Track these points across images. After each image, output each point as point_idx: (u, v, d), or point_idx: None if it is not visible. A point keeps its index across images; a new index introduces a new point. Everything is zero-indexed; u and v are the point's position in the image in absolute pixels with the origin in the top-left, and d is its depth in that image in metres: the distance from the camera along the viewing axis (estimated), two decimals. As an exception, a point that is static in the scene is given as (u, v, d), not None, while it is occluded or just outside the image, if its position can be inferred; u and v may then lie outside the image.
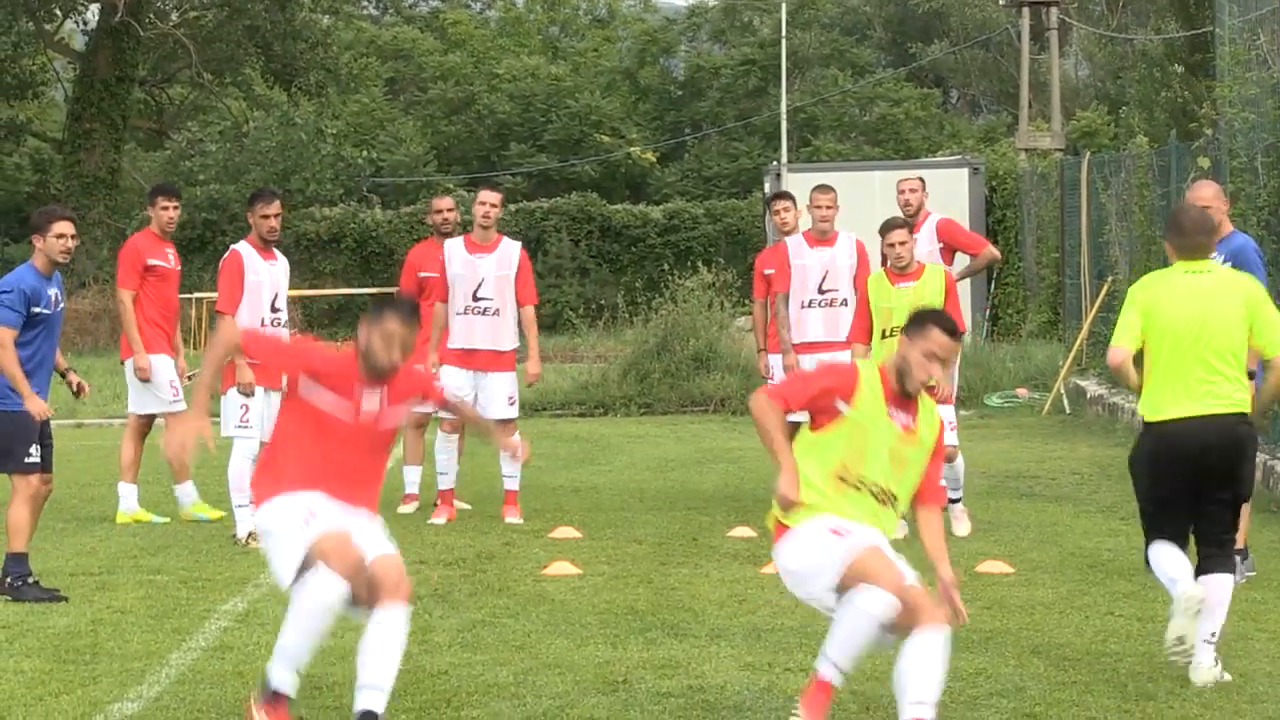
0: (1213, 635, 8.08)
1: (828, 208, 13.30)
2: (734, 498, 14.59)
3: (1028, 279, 31.69)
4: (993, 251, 13.62)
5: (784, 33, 41.42)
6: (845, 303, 13.19)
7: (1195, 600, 7.98)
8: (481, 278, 13.25)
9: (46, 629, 9.44)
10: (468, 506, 13.88)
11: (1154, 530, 8.39)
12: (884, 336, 11.97)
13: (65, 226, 10.46)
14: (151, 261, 13.47)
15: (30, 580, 10.34)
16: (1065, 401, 21.63)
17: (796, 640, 8.96)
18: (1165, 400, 8.29)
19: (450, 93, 55.58)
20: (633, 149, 52.68)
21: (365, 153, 47.51)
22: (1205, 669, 8.04)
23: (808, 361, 13.03)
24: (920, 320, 7.23)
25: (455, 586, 10.61)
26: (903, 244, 11.89)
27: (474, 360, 13.24)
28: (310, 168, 41.44)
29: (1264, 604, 9.91)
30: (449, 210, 14.31)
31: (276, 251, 12.75)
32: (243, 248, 12.68)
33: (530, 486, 15.12)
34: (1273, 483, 13.77)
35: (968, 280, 14.79)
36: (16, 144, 46.86)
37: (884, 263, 12.25)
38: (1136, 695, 7.83)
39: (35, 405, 10.28)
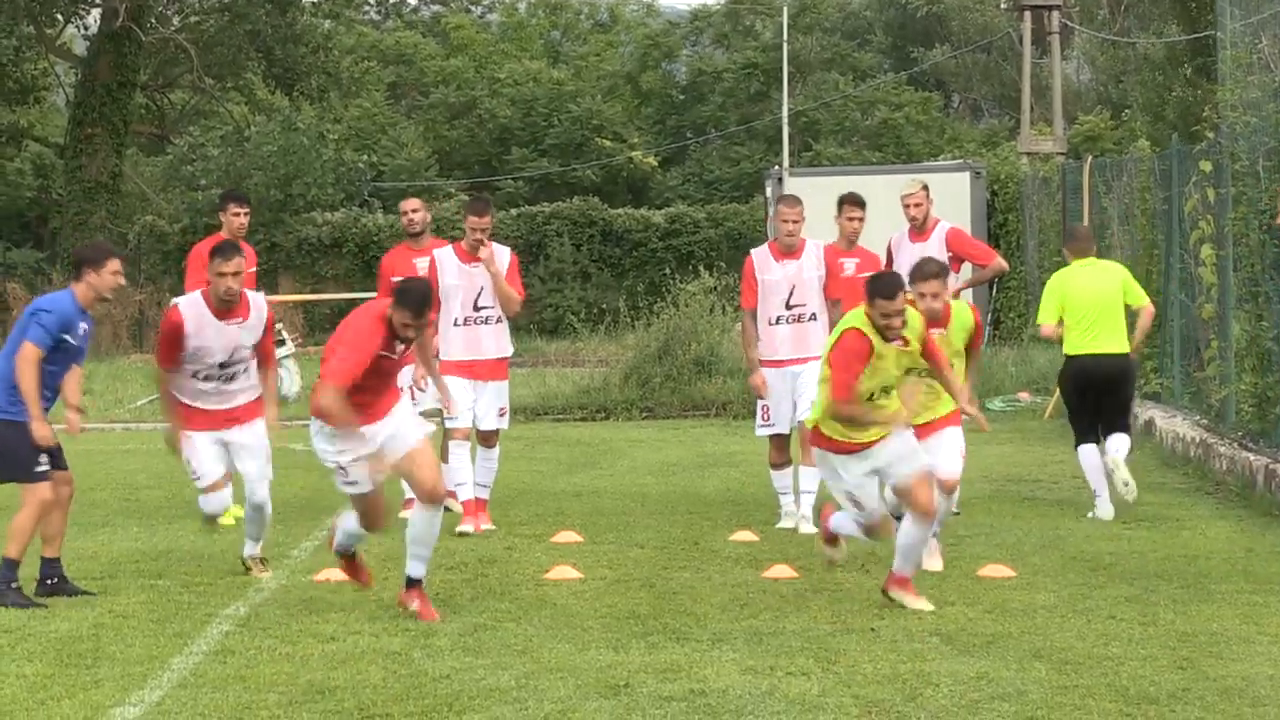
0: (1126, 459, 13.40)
1: (794, 221, 12.96)
2: (735, 502, 14.59)
3: (1030, 283, 31.67)
4: (1001, 263, 13.65)
5: (786, 37, 41.37)
6: (814, 317, 12.92)
7: (1119, 481, 13.32)
8: (480, 286, 13.09)
9: (48, 633, 9.44)
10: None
11: (1078, 430, 13.79)
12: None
13: (119, 264, 10.49)
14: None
15: (14, 585, 10.31)
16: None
17: (798, 644, 8.96)
18: (1078, 344, 13.60)
19: (452, 97, 55.54)
20: (634, 153, 52.66)
21: (367, 157, 47.49)
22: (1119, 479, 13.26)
23: (775, 377, 12.94)
24: (868, 295, 9.81)
25: (457, 590, 10.61)
26: (935, 296, 10.62)
27: (477, 370, 13.13)
28: (312, 172, 41.40)
29: (1265, 607, 9.90)
30: (414, 211, 14.08)
31: (252, 300, 11.13)
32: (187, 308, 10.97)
33: (532, 491, 15.11)
34: (1274, 486, 13.77)
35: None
36: (18, 149, 46.86)
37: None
38: (1138, 699, 7.82)
39: (41, 430, 10.24)
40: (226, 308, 10.87)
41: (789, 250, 12.99)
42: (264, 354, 11.18)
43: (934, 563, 11.10)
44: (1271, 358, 14.59)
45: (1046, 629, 9.32)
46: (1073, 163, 27.68)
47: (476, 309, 13.11)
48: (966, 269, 14.09)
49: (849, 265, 13.39)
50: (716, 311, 24.09)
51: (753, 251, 13.29)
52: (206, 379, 10.93)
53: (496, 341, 13.19)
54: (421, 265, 13.51)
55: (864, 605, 10.02)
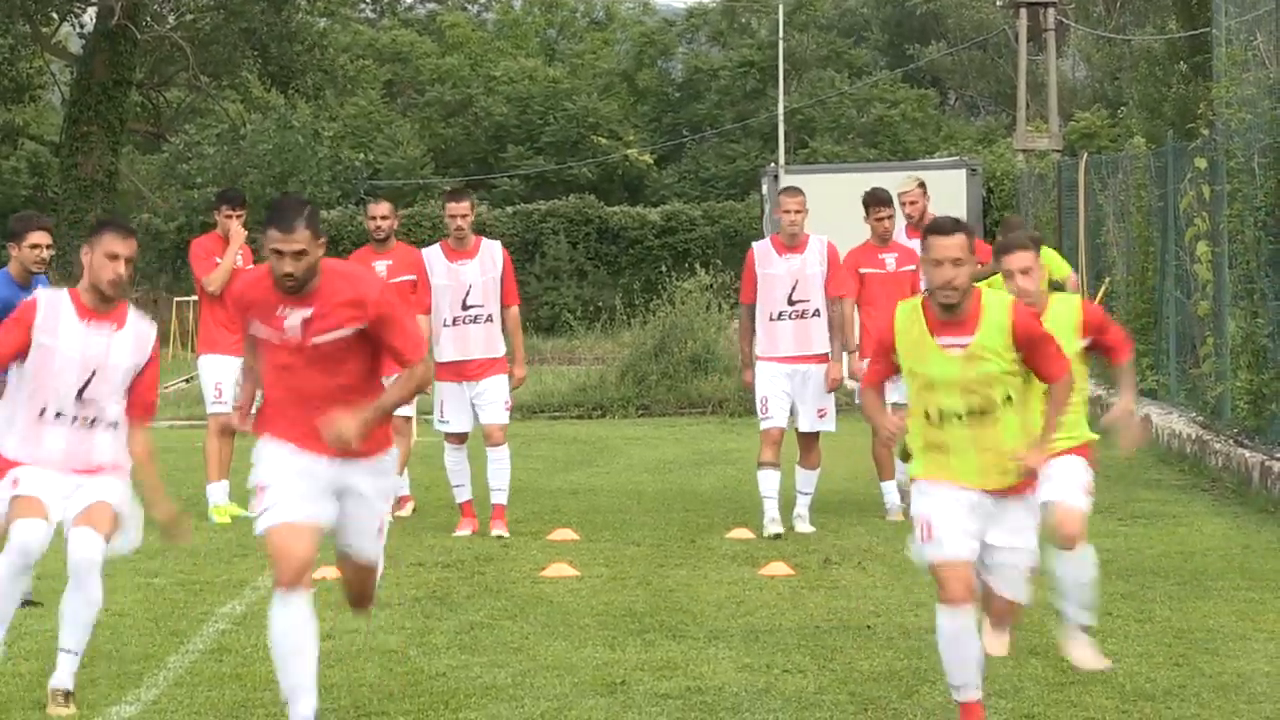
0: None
1: (796, 211, 12.60)
2: (732, 499, 14.58)
3: (1025, 280, 31.66)
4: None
5: (781, 34, 41.40)
6: (817, 313, 12.65)
7: None
8: (469, 285, 12.74)
9: (44, 631, 9.43)
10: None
11: None
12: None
13: (40, 236, 10.13)
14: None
15: None
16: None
17: (795, 641, 8.96)
18: None
19: (447, 95, 55.56)
20: (630, 151, 52.67)
21: (362, 155, 47.51)
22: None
23: (775, 372, 12.66)
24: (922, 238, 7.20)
25: (453, 588, 10.60)
26: (1025, 272, 8.29)
27: (468, 370, 12.81)
28: (307, 170, 41.43)
29: (1261, 603, 9.91)
30: (383, 218, 13.71)
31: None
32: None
33: (528, 489, 15.10)
34: (1269, 482, 13.78)
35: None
36: (13, 147, 46.87)
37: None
38: (1134, 695, 7.82)
39: None
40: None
41: (792, 244, 12.69)
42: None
43: (996, 646, 8.34)
44: (1267, 354, 14.60)
45: (1043, 626, 9.31)
46: (1068, 160, 27.70)
47: (465, 308, 12.78)
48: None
49: (889, 260, 13.32)
50: (713, 309, 24.10)
51: (755, 245, 13.01)
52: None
53: (486, 341, 12.84)
54: (381, 267, 13.41)
55: (860, 602, 10.02)
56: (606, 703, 7.74)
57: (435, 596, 10.27)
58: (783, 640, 9.00)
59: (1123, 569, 10.99)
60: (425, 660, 8.63)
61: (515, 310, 12.95)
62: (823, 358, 12.72)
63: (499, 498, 12.90)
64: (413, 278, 13.23)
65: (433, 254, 12.95)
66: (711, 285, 24.29)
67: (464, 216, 12.80)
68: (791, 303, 12.65)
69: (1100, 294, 22.09)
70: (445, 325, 12.78)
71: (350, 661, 8.63)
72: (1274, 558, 11.46)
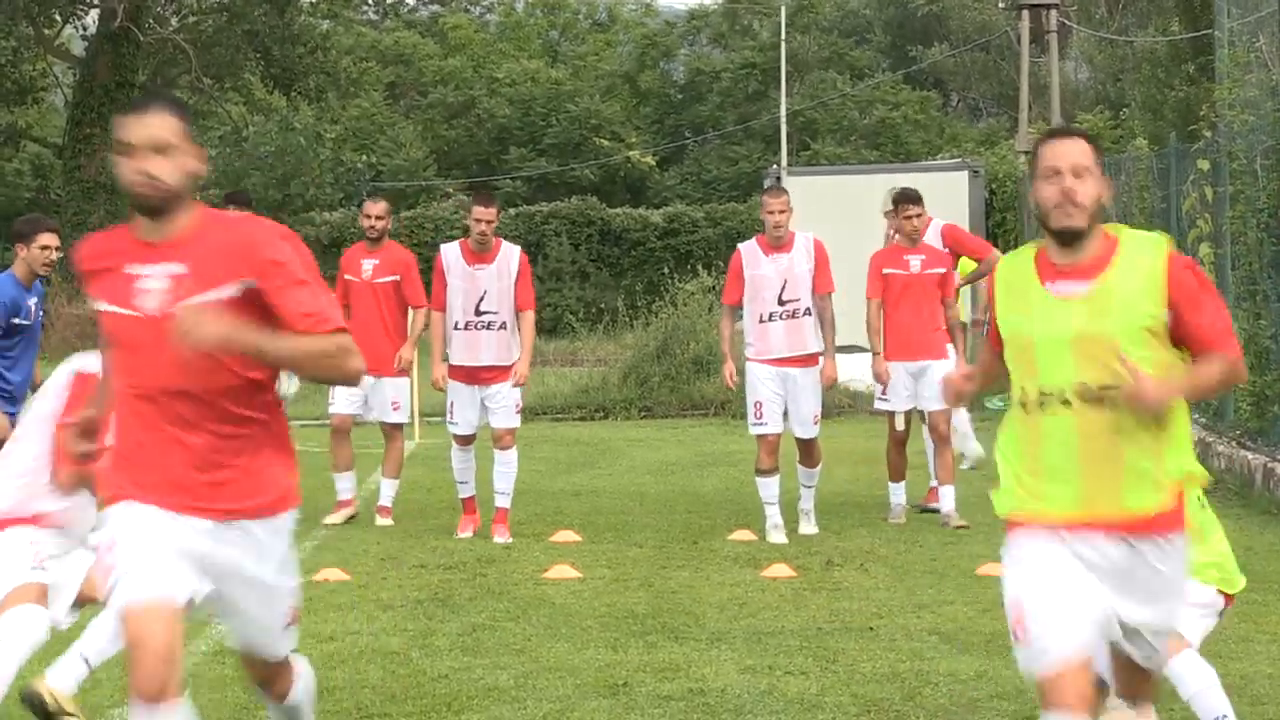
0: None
1: (780, 211, 12.47)
2: (734, 501, 14.58)
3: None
4: (998, 255, 13.60)
5: (783, 36, 41.39)
6: (808, 312, 12.52)
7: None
8: (483, 290, 12.53)
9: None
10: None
11: None
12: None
13: (50, 238, 10.17)
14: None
15: None
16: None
17: (797, 643, 8.96)
18: None
19: (450, 97, 55.55)
20: (632, 153, 52.67)
21: (365, 157, 47.52)
22: None
23: (767, 374, 12.61)
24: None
25: (455, 590, 10.60)
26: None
27: (480, 375, 12.61)
28: (310, 172, 41.44)
29: (1265, 606, 9.90)
30: (378, 218, 13.64)
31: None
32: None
33: (530, 490, 15.10)
34: (1272, 484, 13.77)
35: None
36: (16, 149, 46.85)
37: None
38: (1137, 697, 7.82)
39: None
40: None
41: (778, 244, 12.54)
42: None
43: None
44: (1270, 356, 14.60)
45: (1045, 628, 9.31)
46: (1071, 161, 27.64)
47: (478, 313, 12.56)
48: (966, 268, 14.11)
49: (914, 262, 13.26)
50: (715, 311, 24.07)
51: (741, 246, 12.82)
52: None
53: (499, 348, 12.58)
54: (368, 266, 13.45)
55: (863, 604, 10.02)
56: (609, 704, 7.74)
57: (437, 598, 10.27)
58: (785, 642, 9.00)
59: (1125, 571, 10.99)
60: (427, 662, 8.63)
61: (530, 314, 12.66)
62: (813, 359, 12.64)
63: (502, 501, 12.83)
64: (397, 278, 13.37)
65: (451, 253, 12.73)
66: (714, 287, 24.24)
67: (489, 222, 12.56)
68: (782, 303, 12.54)
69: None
70: (456, 328, 12.63)
71: (352, 663, 8.63)
72: (1277, 560, 11.45)
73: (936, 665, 8.43)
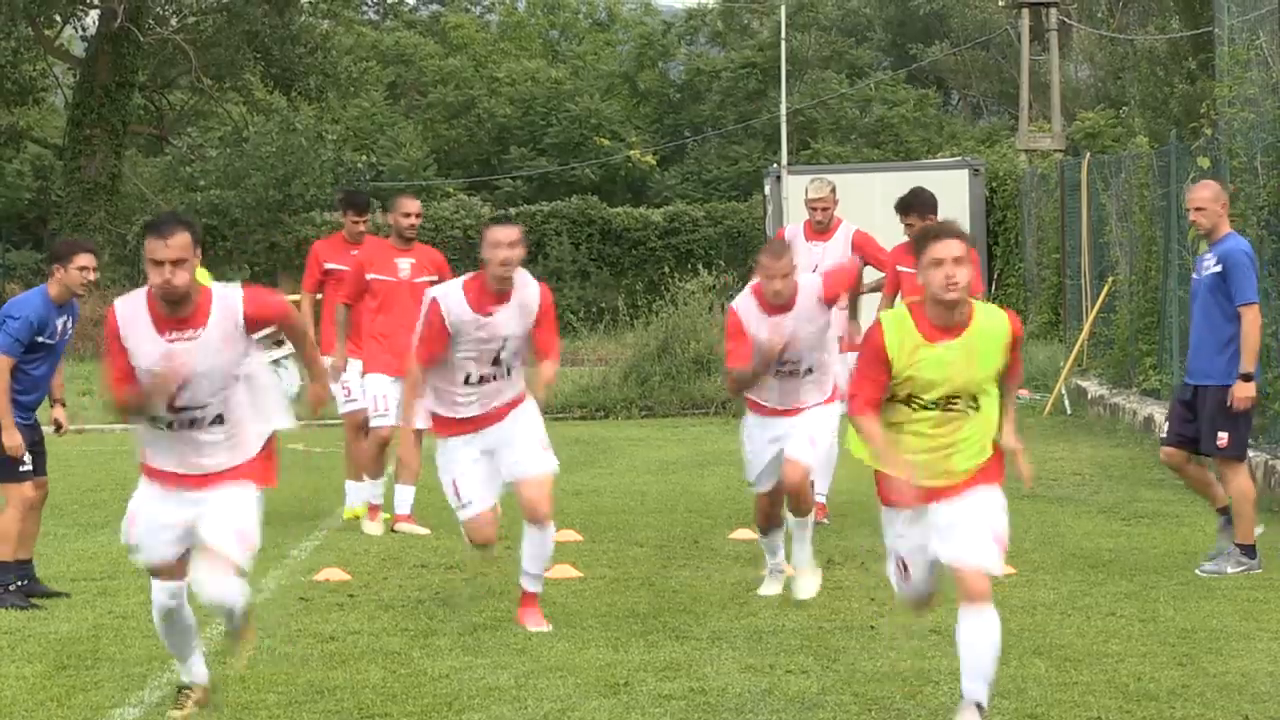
0: None
1: (782, 276, 10.14)
2: (735, 500, 14.58)
3: (1028, 280, 31.69)
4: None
5: (783, 35, 41.35)
6: (809, 371, 10.53)
7: None
8: (504, 338, 9.84)
9: (48, 634, 9.44)
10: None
11: None
12: None
13: (88, 259, 10.20)
14: (330, 265, 13.72)
15: (10, 588, 10.29)
16: (1066, 402, 21.63)
17: (798, 642, 8.96)
18: None
19: (450, 96, 55.54)
20: (633, 152, 52.66)
21: (365, 157, 47.48)
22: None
23: (760, 423, 10.94)
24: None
25: (457, 590, 10.60)
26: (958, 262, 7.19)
27: (486, 420, 9.98)
28: (311, 172, 41.39)
29: (1265, 603, 9.90)
30: (416, 215, 13.40)
31: None
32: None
33: (531, 490, 15.06)
34: (1273, 483, 13.76)
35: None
36: (16, 150, 46.84)
37: None
38: (1138, 695, 7.82)
39: (11, 439, 10.10)
40: None
41: (779, 301, 10.27)
42: None
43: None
44: (1270, 354, 14.58)
45: (1046, 626, 9.32)
46: (1071, 160, 27.68)
47: (496, 363, 9.91)
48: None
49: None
50: (715, 310, 24.06)
51: (737, 305, 10.48)
52: None
53: (507, 388, 10.09)
54: (405, 265, 13.25)
55: (863, 603, 10.02)
56: (610, 704, 7.74)
57: (437, 598, 10.27)
58: (786, 641, 9.00)
59: (1126, 569, 10.99)
60: (428, 662, 8.63)
61: (554, 361, 11.66)
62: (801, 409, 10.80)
63: (532, 585, 10.62)
64: (435, 278, 12.75)
65: (454, 295, 10.23)
66: (714, 286, 24.25)
67: (512, 246, 10.58)
68: (782, 362, 10.46)
69: (1103, 294, 22.09)
70: (467, 384, 11.79)
71: (353, 663, 8.63)
72: (1277, 559, 11.44)
73: (937, 664, 8.43)
